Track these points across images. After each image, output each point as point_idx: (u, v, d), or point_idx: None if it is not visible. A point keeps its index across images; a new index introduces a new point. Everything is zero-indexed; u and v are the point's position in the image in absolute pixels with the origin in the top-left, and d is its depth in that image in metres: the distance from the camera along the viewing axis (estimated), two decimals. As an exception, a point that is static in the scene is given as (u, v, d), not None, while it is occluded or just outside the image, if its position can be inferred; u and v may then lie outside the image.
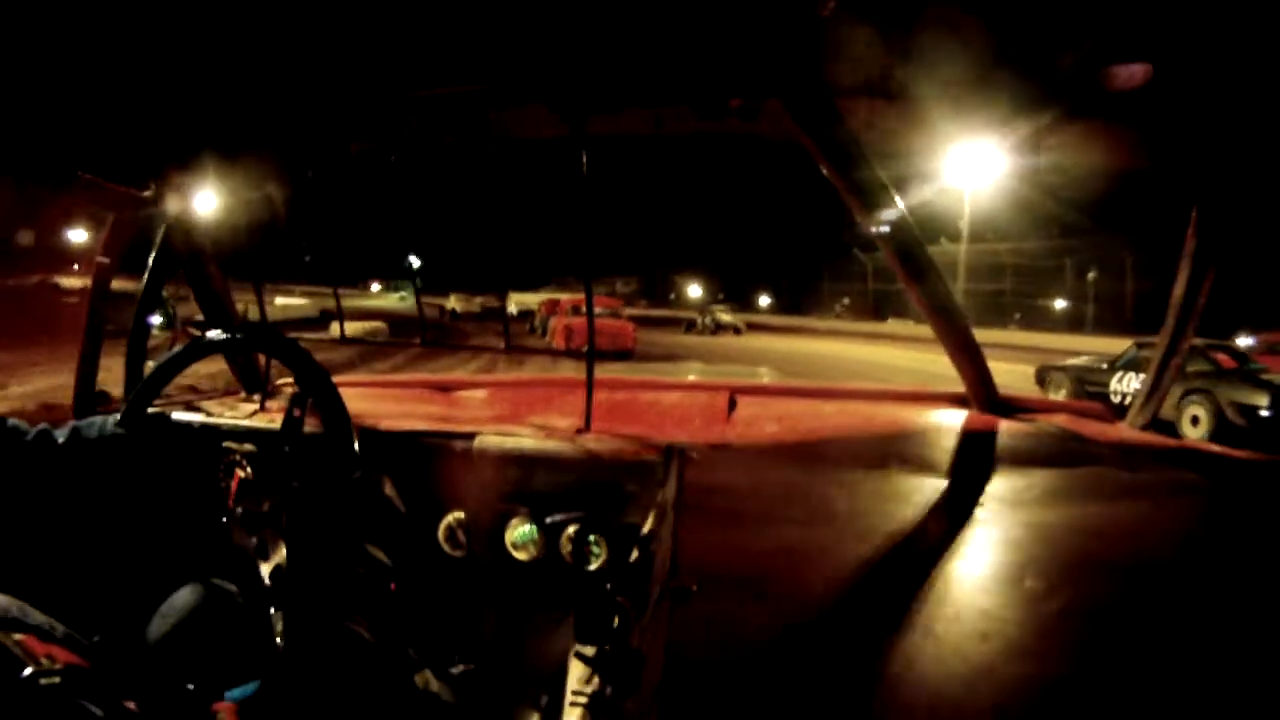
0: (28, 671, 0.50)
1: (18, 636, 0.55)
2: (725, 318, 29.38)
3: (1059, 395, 9.40)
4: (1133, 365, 8.55)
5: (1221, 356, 7.96)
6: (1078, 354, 10.93)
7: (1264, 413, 7.10)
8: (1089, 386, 9.08)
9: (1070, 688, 0.44)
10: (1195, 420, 7.63)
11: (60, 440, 1.01)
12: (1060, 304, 33.40)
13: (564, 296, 16.53)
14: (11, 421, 0.96)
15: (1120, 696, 0.44)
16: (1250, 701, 0.48)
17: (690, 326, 28.85)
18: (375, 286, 37.77)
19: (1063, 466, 1.05)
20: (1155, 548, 0.68)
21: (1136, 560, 0.65)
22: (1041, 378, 10.18)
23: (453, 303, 32.44)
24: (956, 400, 1.46)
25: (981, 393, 1.42)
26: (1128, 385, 8.52)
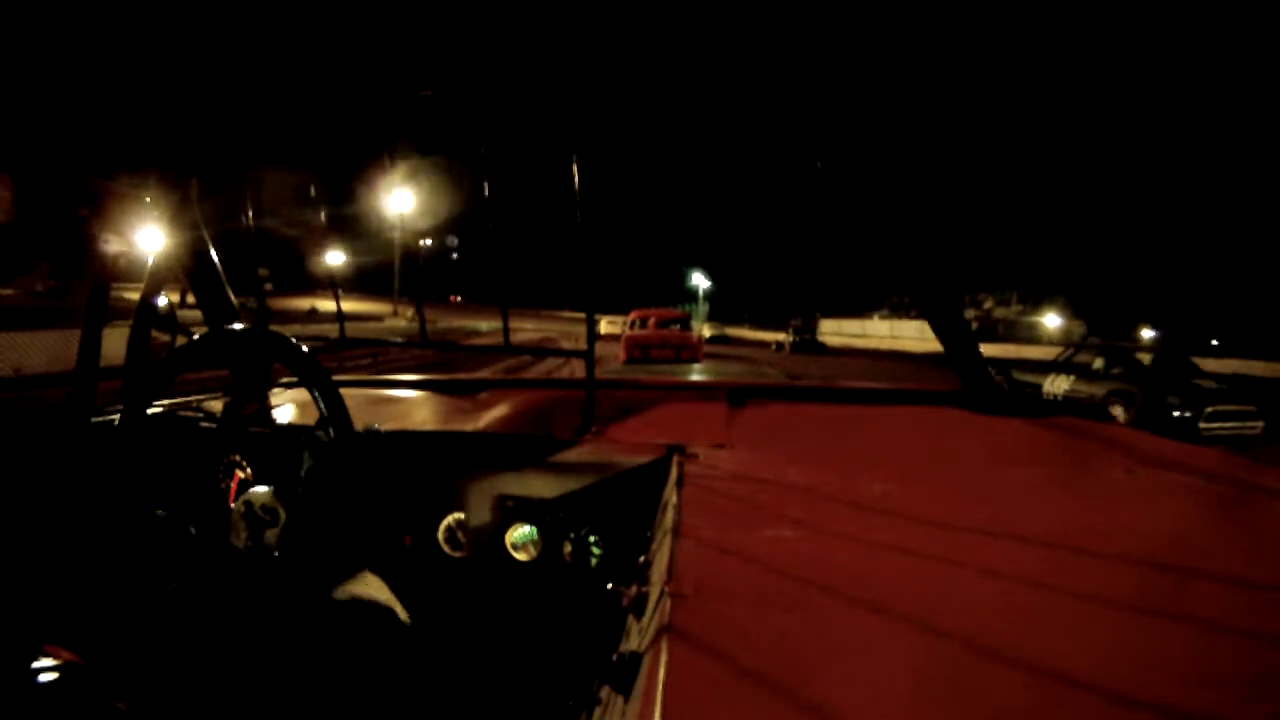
0: (28, 667, 0.50)
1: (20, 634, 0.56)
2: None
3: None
4: (1065, 368, 8.51)
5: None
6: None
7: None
8: (1029, 389, 8.66)
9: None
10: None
11: (65, 426, 1.00)
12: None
13: (634, 313, 15.92)
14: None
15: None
16: None
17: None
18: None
19: (1063, 464, 1.05)
20: (1159, 547, 0.68)
21: (1139, 557, 0.65)
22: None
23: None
24: (956, 399, 1.46)
25: (981, 392, 1.42)
26: (1058, 387, 8.39)
